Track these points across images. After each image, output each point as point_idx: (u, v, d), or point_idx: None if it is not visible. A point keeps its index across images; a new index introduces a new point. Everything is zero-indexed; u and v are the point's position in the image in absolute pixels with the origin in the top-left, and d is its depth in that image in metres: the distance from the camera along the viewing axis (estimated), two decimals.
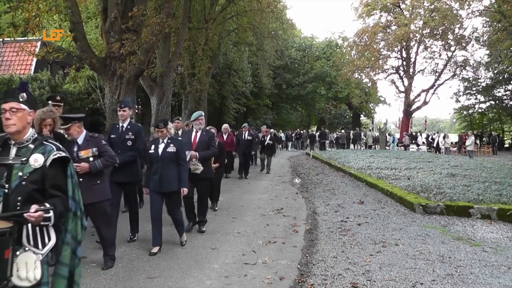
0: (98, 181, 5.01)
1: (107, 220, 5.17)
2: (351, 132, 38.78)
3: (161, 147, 5.95)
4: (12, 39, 13.04)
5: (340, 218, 8.15)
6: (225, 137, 13.62)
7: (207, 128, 13.59)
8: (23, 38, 15.09)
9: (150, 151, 5.99)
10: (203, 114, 7.46)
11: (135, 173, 6.36)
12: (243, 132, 15.29)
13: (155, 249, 5.75)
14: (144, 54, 12.99)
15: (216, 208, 8.75)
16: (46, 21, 14.04)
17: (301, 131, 39.08)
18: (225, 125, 14.29)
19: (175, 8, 16.89)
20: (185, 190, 5.98)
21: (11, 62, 20.40)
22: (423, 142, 35.37)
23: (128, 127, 6.31)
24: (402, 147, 34.12)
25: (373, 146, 34.77)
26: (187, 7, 19.77)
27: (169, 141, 5.97)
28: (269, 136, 16.94)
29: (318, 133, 36.84)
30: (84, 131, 5.04)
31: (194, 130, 7.22)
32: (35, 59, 18.97)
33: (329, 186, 12.71)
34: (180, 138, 6.42)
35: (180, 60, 22.23)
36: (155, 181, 5.86)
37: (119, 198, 6.31)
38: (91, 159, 4.93)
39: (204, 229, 7.05)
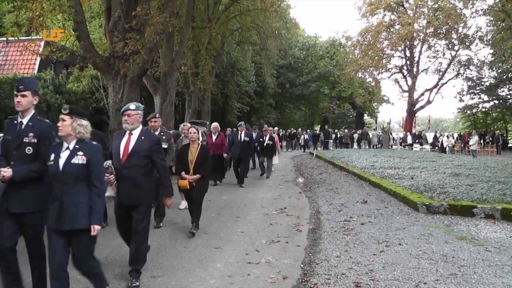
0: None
1: None
2: (358, 131, 38.33)
3: (64, 156, 3.69)
4: (16, 38, 13.06)
5: (343, 217, 8.14)
6: (214, 138, 12.38)
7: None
8: (27, 38, 15.12)
9: (49, 163, 3.70)
10: (143, 109, 5.03)
11: (36, 200, 3.86)
12: (239, 132, 13.22)
13: None
14: (148, 53, 13.01)
15: (194, 231, 6.65)
16: (49, 21, 14.08)
17: (296, 130, 37.18)
18: (215, 124, 13.03)
19: (178, 8, 16.89)
20: (96, 228, 3.63)
21: (15, 62, 20.46)
22: (432, 142, 35.24)
23: (30, 124, 4.00)
24: (406, 146, 34.07)
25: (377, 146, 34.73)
26: (191, 6, 19.79)
27: (77, 146, 3.72)
28: (268, 136, 14.93)
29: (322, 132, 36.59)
30: None
31: (128, 132, 4.81)
32: (38, 59, 19.00)
33: (333, 186, 12.69)
34: (95, 142, 3.93)
35: (184, 59, 22.27)
36: (54, 213, 3.63)
37: (14, 237, 3.91)
38: None
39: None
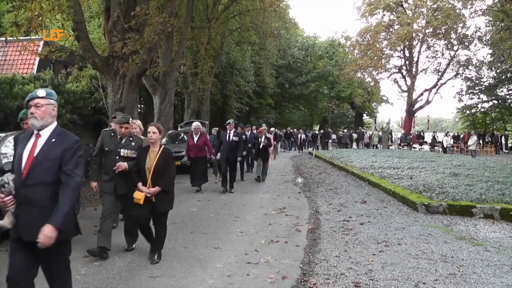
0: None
1: None
2: (356, 131, 38.24)
3: None
4: (15, 38, 13.06)
5: (342, 217, 8.14)
6: (195, 138, 11.37)
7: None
8: (26, 38, 15.10)
9: None
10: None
11: None
12: (227, 132, 11.69)
13: None
14: (147, 53, 13.01)
15: (157, 260, 5.39)
16: (49, 21, 14.07)
17: (292, 130, 36.09)
18: (196, 123, 11.93)
19: (178, 8, 16.91)
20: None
21: (14, 61, 20.43)
22: (430, 142, 35.26)
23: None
24: (404, 146, 34.12)
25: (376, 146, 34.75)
26: (190, 6, 19.82)
27: None
28: (263, 137, 13.95)
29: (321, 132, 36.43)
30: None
31: (35, 132, 3.26)
32: (37, 58, 18.98)
33: (332, 186, 12.70)
34: None
35: (183, 59, 22.29)
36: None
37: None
38: None
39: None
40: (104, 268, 5.07)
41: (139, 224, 5.55)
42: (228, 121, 12.10)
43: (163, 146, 5.58)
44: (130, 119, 5.97)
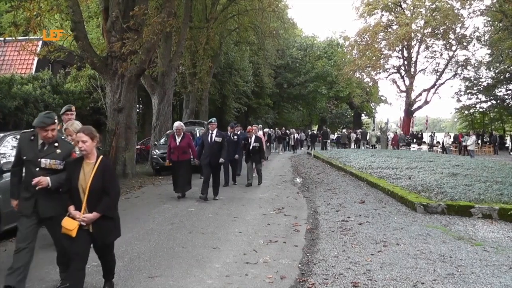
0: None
1: None
2: (357, 131, 38.02)
3: None
4: (14, 38, 13.05)
5: (341, 217, 8.14)
6: (178, 140, 10.25)
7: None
8: (25, 38, 15.10)
9: None
10: None
11: None
12: (210, 132, 10.33)
13: None
14: (145, 53, 13.03)
15: None
16: (47, 21, 14.07)
17: (287, 130, 34.53)
18: (177, 123, 10.67)
19: (176, 8, 16.90)
20: None
21: (13, 62, 20.43)
22: (429, 142, 35.25)
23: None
24: (403, 146, 34.15)
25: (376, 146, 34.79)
26: (189, 6, 19.82)
27: None
28: (253, 137, 12.82)
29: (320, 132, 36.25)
30: None
31: None
32: (36, 58, 18.98)
33: (330, 186, 12.70)
34: None
35: (181, 59, 22.30)
36: None
37: None
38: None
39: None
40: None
41: (75, 262, 3.93)
42: (210, 120, 10.70)
43: (101, 157, 4.09)
44: (56, 119, 4.32)
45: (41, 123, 4.16)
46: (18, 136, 4.57)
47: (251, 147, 12.70)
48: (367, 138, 35.21)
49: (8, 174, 5.60)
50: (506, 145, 39.22)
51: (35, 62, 20.04)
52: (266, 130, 23.43)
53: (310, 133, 38.69)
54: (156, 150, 15.42)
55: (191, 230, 7.03)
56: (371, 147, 34.24)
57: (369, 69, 39.47)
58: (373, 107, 57.00)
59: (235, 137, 13.05)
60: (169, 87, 18.74)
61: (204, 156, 10.18)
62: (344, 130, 43.66)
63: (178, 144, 10.21)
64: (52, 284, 4.59)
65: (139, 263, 5.31)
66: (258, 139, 12.89)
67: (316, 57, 49.57)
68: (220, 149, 10.24)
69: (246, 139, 13.01)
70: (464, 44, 37.86)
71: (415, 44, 39.39)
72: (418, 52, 39.67)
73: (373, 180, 12.39)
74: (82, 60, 15.14)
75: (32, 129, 4.44)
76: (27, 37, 14.61)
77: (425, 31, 37.40)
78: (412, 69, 39.45)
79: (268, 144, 23.73)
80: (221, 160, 10.32)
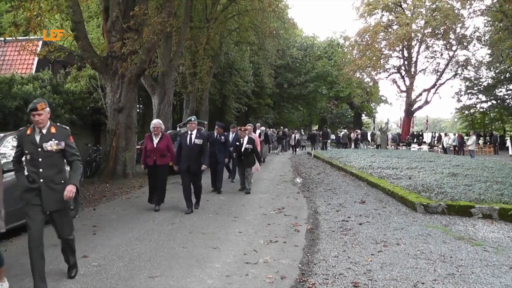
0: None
1: None
2: (357, 131, 37.95)
3: None
4: (14, 38, 13.05)
5: (341, 217, 8.14)
6: (155, 141, 8.72)
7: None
8: (25, 37, 15.10)
9: None
10: None
11: None
12: (189, 133, 8.80)
13: None
14: (146, 53, 13.03)
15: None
16: (47, 21, 14.07)
17: (285, 130, 33.94)
18: (156, 121, 9.11)
19: (176, 8, 16.92)
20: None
21: (13, 62, 20.42)
22: (429, 142, 35.24)
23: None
24: (402, 146, 34.17)
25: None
26: (189, 6, 19.82)
27: None
28: (246, 138, 11.33)
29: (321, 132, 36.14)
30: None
31: None
32: (36, 58, 18.97)
33: (331, 186, 12.70)
34: None
35: (182, 59, 22.32)
36: None
37: None
38: None
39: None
40: (103, 268, 5.06)
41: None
42: (189, 118, 9.14)
43: None
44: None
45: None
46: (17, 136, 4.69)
47: (242, 149, 11.26)
48: (374, 137, 35.15)
49: (8, 174, 5.61)
50: (506, 145, 39.22)
51: (35, 62, 20.02)
52: (262, 128, 21.91)
53: (310, 133, 38.64)
54: None
55: (191, 230, 7.02)
56: (376, 147, 34.15)
57: (369, 69, 39.48)
58: (373, 107, 57.01)
59: (222, 137, 11.64)
60: (169, 87, 18.74)
61: (182, 161, 8.70)
62: (345, 130, 43.66)
63: (155, 146, 8.69)
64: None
65: (139, 263, 5.31)
66: (251, 140, 11.41)
67: (316, 57, 49.60)
68: (201, 153, 8.81)
69: (238, 140, 11.47)
70: (465, 44, 37.89)
71: (415, 44, 39.43)
72: (418, 52, 39.75)
73: (374, 180, 12.39)
74: (82, 60, 15.14)
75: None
76: (27, 37, 14.60)
77: (425, 31, 37.43)
78: (413, 69, 39.46)
79: (267, 144, 23.35)
80: (203, 167, 8.89)
